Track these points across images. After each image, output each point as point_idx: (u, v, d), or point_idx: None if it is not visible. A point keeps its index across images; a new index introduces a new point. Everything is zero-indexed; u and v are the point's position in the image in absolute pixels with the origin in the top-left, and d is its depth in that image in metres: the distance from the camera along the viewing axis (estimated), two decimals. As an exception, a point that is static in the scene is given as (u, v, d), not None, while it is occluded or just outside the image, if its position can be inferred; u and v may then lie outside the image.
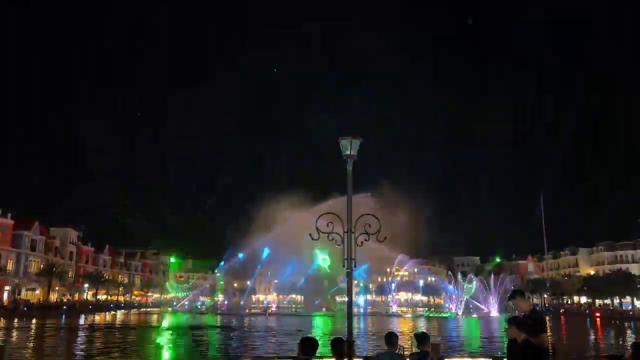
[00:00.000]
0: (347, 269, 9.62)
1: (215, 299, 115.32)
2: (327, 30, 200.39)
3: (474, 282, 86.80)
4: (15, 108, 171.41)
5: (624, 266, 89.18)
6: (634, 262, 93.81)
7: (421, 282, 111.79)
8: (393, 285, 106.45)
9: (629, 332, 48.23)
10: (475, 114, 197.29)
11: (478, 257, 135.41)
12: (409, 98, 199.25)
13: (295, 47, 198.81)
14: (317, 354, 6.56)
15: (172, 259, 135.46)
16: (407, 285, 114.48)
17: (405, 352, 8.67)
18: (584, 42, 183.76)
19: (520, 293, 6.62)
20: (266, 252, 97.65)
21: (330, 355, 6.89)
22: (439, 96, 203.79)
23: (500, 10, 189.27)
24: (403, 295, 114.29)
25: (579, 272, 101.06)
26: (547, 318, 73.65)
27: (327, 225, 10.09)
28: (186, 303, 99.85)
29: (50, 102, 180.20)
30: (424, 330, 8.37)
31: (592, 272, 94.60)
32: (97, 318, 64.23)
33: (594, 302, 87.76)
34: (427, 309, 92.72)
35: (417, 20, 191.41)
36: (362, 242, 9.93)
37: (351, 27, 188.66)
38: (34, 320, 52.29)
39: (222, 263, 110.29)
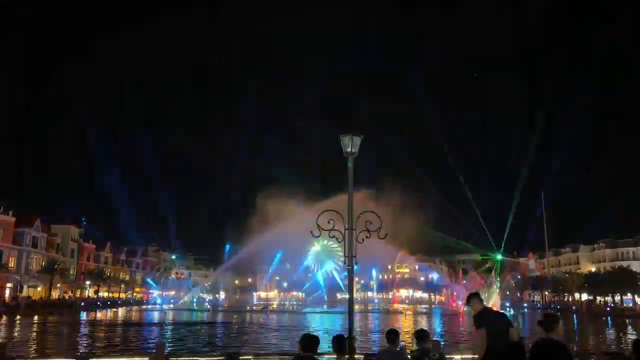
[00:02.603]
0: (347, 266, 9.63)
1: (217, 296, 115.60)
2: (327, 29, 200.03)
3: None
4: (16, 107, 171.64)
5: (625, 263, 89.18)
6: (635, 259, 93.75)
7: (422, 279, 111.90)
8: (394, 283, 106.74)
9: (629, 329, 48.18)
10: (477, 111, 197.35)
11: (479, 254, 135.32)
12: (411, 96, 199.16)
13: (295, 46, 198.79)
14: (318, 351, 6.57)
15: (174, 256, 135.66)
16: (408, 283, 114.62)
17: (407, 350, 8.69)
18: (583, 37, 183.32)
19: (475, 295, 7.23)
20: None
21: (332, 351, 6.91)
22: (440, 94, 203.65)
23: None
24: (404, 292, 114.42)
25: (580, 269, 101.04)
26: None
27: (328, 223, 10.09)
28: (188, 301, 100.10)
29: (52, 100, 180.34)
30: (424, 328, 8.44)
31: (593, 269, 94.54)
32: (99, 315, 64.41)
33: (595, 299, 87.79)
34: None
35: (419, 18, 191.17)
36: (363, 240, 9.93)
37: (352, 26, 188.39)
38: (35, 317, 52.42)
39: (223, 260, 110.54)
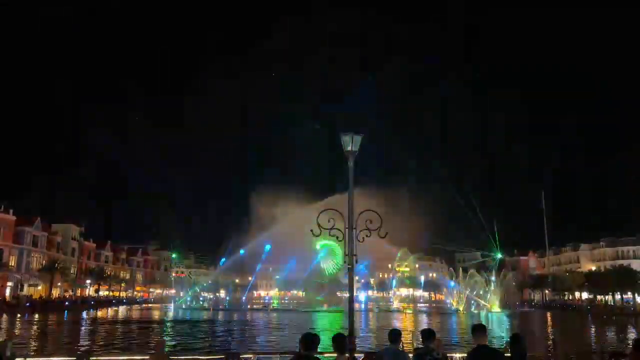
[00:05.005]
0: (348, 265, 9.61)
1: (217, 294, 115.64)
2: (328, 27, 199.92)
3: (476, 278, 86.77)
4: (18, 105, 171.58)
5: (625, 262, 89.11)
6: (635, 258, 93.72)
7: (422, 278, 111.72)
8: (394, 281, 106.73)
9: (630, 327, 48.16)
10: (477, 109, 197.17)
11: (479, 253, 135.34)
12: (411, 95, 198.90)
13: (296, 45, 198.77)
14: (319, 350, 6.56)
15: (174, 255, 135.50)
16: (408, 281, 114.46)
17: (405, 349, 8.68)
18: (584, 40, 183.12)
19: (481, 328, 6.76)
20: (267, 248, 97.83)
21: (332, 350, 6.90)
22: (440, 92, 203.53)
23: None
24: (404, 291, 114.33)
25: (580, 268, 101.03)
26: (549, 314, 74.07)
27: (329, 222, 10.07)
28: (188, 299, 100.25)
29: (54, 98, 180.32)
30: (430, 328, 8.40)
31: (594, 268, 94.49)
32: (99, 313, 64.47)
33: (595, 298, 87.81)
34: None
35: (421, 19, 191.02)
36: (363, 238, 9.91)
37: (351, 25, 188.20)
38: (36, 316, 52.47)
39: (223, 259, 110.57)
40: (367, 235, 9.99)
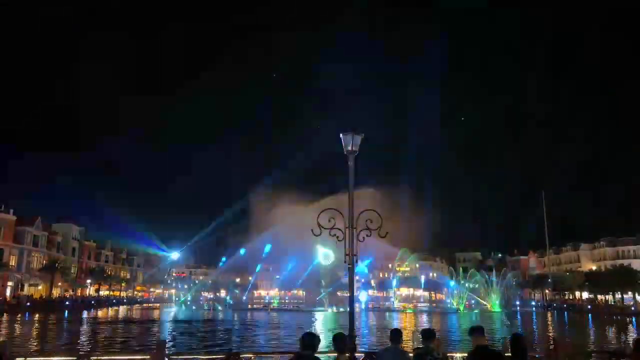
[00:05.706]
0: (348, 264, 9.60)
1: (217, 294, 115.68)
2: (326, 26, 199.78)
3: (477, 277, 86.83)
4: (18, 104, 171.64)
5: (625, 262, 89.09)
6: (635, 257, 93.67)
7: (422, 278, 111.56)
8: (394, 281, 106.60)
9: (630, 327, 48.16)
10: (478, 108, 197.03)
11: (479, 253, 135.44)
12: (411, 94, 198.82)
13: (295, 43, 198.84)
14: (319, 349, 6.55)
15: (174, 255, 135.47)
16: (409, 281, 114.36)
17: (406, 349, 8.67)
18: (583, 37, 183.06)
19: (477, 330, 6.62)
20: (268, 248, 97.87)
21: (332, 350, 6.90)
22: (440, 91, 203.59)
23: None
24: (404, 291, 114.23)
25: (580, 267, 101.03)
26: (549, 313, 74.08)
27: (329, 221, 10.06)
28: (189, 299, 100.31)
29: (55, 98, 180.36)
30: (431, 327, 8.38)
31: (594, 268, 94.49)
32: (100, 313, 64.50)
33: (595, 298, 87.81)
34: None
35: (418, 15, 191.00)
36: (363, 238, 9.90)
37: (349, 23, 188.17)
38: (36, 316, 52.48)
39: (224, 259, 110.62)
40: (367, 235, 9.98)
